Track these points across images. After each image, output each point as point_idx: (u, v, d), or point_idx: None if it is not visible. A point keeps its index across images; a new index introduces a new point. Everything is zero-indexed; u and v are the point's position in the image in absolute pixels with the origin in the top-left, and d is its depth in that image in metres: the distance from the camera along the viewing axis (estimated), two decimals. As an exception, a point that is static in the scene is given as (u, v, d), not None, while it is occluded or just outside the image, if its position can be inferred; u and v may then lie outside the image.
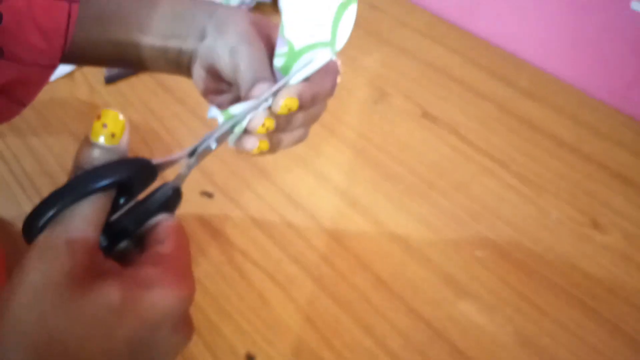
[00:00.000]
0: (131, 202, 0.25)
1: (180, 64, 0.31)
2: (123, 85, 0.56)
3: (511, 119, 0.53)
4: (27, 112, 0.54)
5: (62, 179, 0.48)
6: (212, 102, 0.32)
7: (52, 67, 0.30)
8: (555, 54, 0.57)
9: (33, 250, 0.20)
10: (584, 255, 0.43)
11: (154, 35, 0.30)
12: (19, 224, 0.22)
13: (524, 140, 0.51)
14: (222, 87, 0.31)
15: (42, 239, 0.20)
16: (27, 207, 0.46)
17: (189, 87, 0.56)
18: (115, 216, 0.24)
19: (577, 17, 0.53)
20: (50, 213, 0.21)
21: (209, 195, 0.47)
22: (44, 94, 0.55)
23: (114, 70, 0.56)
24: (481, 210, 0.46)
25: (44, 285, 0.18)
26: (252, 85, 0.26)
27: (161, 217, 0.25)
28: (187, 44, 0.30)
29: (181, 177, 0.26)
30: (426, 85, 0.56)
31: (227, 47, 0.27)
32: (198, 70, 0.30)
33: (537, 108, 0.54)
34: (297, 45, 0.26)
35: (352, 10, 0.25)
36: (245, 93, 0.26)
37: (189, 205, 0.46)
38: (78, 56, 0.30)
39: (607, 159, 0.50)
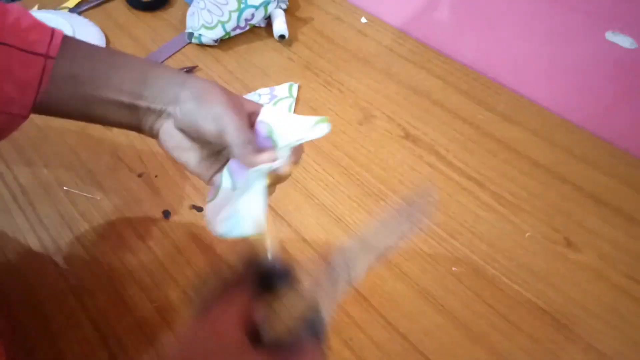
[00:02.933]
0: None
1: (142, 123, 0.34)
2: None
3: (489, 141, 0.56)
4: (26, 125, 0.56)
5: (55, 192, 0.49)
6: (178, 157, 0.34)
7: (22, 117, 0.32)
8: (532, 80, 0.60)
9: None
10: (557, 273, 0.45)
11: (122, 96, 0.32)
12: (9, 234, 0.24)
13: (501, 161, 0.54)
14: (192, 146, 0.34)
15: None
16: (19, 218, 0.47)
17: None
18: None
19: (555, 45, 0.56)
20: None
21: (198, 209, 0.49)
22: (43, 110, 0.57)
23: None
24: (458, 228, 0.47)
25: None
26: (244, 145, 0.30)
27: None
28: (155, 105, 0.33)
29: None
30: (409, 108, 0.59)
31: (210, 113, 0.31)
32: (169, 130, 0.33)
33: (515, 131, 0.57)
34: (280, 143, 0.32)
35: (324, 127, 0.31)
36: (238, 151, 0.30)
37: (179, 218, 0.48)
38: (48, 110, 0.33)
39: (582, 180, 0.52)
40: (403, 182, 0.51)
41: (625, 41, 0.50)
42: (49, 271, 0.44)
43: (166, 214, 0.48)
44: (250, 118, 0.33)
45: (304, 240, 0.46)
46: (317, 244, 0.46)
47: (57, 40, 0.31)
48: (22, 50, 0.30)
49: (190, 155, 0.34)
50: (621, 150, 0.55)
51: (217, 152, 0.35)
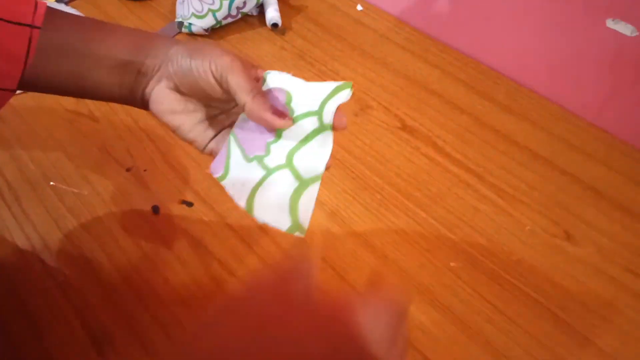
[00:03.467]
0: None
1: (134, 90, 0.32)
2: (108, 95, 0.57)
3: (487, 132, 0.54)
4: (13, 120, 0.54)
5: (42, 186, 0.48)
6: (170, 122, 0.32)
7: (10, 92, 0.31)
8: (532, 69, 0.59)
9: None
10: (556, 266, 0.44)
11: (111, 62, 0.31)
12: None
13: (499, 152, 0.53)
14: (185, 107, 0.32)
15: None
16: (5, 214, 0.46)
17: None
18: None
19: (554, 33, 0.54)
20: None
21: (188, 204, 0.47)
22: (30, 102, 0.56)
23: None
24: (456, 221, 0.46)
25: None
26: (252, 95, 0.29)
27: None
28: (146, 68, 0.31)
29: None
30: (406, 98, 0.58)
31: (208, 60, 0.29)
32: (161, 91, 0.32)
33: (513, 121, 0.56)
34: (297, 111, 0.31)
35: (346, 92, 0.29)
36: (249, 100, 0.29)
37: (168, 213, 0.47)
38: (37, 83, 0.31)
39: (581, 172, 0.51)
40: (400, 175, 0.50)
41: (626, 29, 0.49)
42: (35, 268, 0.42)
43: (155, 209, 0.47)
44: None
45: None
46: (310, 238, 0.45)
47: (41, 10, 0.30)
48: (7, 21, 0.28)
49: (183, 118, 0.32)
50: (620, 141, 0.54)
51: (212, 117, 0.33)
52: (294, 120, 0.30)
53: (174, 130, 0.33)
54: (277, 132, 0.31)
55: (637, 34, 0.48)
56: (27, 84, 0.31)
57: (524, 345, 0.39)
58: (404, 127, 0.55)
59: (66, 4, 0.68)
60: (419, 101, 0.57)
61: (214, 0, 0.61)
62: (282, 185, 0.30)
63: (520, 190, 0.49)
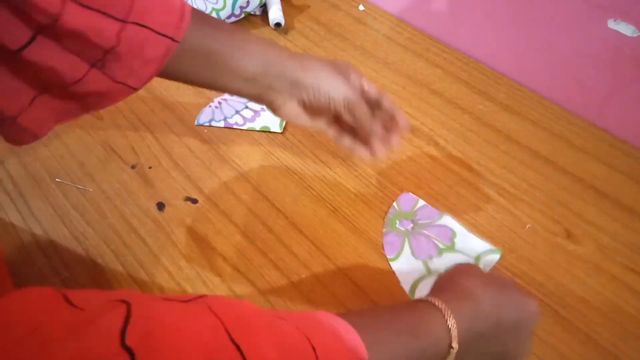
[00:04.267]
0: None
1: (262, 97, 0.38)
2: (112, 93, 0.57)
3: (489, 131, 0.55)
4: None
5: (46, 182, 0.48)
6: (303, 124, 0.40)
7: (135, 90, 0.33)
8: (533, 69, 0.59)
9: None
10: (557, 264, 0.44)
11: (246, 74, 0.35)
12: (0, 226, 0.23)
13: (500, 152, 0.53)
14: (318, 118, 0.40)
15: None
16: (10, 210, 0.46)
17: (177, 95, 0.58)
18: None
19: (556, 33, 0.55)
20: None
21: (193, 201, 0.48)
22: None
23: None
24: (458, 220, 0.47)
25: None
26: (371, 124, 0.39)
27: None
28: (276, 85, 0.37)
29: None
30: (407, 98, 0.58)
31: (340, 95, 0.37)
32: (295, 108, 0.38)
33: (514, 121, 0.56)
34: None
35: (495, 258, 0.45)
36: (367, 129, 0.39)
37: (173, 210, 0.47)
38: (166, 78, 0.35)
39: (582, 171, 0.51)
40: (402, 174, 0.51)
41: (627, 29, 0.49)
42: (39, 264, 0.43)
43: (160, 206, 0.47)
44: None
45: (301, 232, 0.46)
46: (314, 236, 0.46)
47: (185, 24, 0.32)
48: (155, 32, 0.31)
49: (319, 124, 0.40)
50: (621, 140, 0.55)
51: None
52: (455, 251, 0.44)
53: (315, 132, 0.43)
54: (439, 251, 0.44)
55: (639, 34, 0.48)
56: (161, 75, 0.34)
57: (525, 342, 0.40)
58: (406, 126, 0.55)
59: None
60: (420, 100, 0.58)
61: (217, 0, 0.62)
62: None
63: (521, 189, 0.50)
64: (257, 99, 0.38)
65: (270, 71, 0.36)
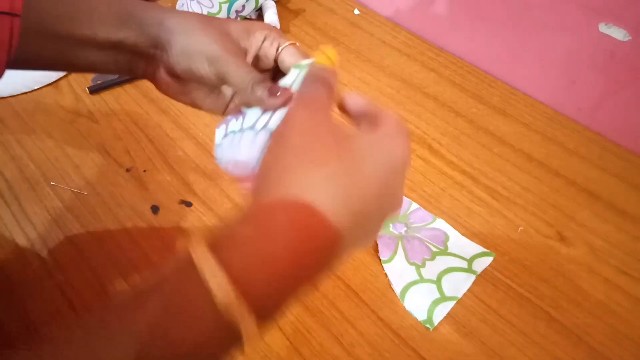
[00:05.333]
0: None
1: (133, 67, 0.31)
2: (108, 95, 0.58)
3: (483, 135, 0.55)
4: (12, 121, 0.55)
5: (41, 185, 0.49)
6: (181, 100, 0.32)
7: None
8: (526, 73, 0.60)
9: (301, 107, 0.25)
10: (549, 267, 0.45)
11: (100, 34, 0.29)
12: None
13: (494, 154, 0.53)
14: (193, 87, 0.32)
15: (309, 97, 0.25)
16: (5, 213, 0.46)
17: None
18: None
19: (548, 37, 0.55)
20: None
21: (187, 204, 0.48)
22: (28, 102, 0.56)
23: (98, 81, 0.58)
24: (450, 222, 0.47)
25: (318, 138, 0.23)
26: (251, 83, 0.27)
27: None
28: (142, 48, 0.30)
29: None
30: (402, 101, 0.58)
31: (202, 58, 0.28)
32: (163, 77, 0.31)
33: (508, 124, 0.56)
34: None
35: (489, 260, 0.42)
36: (246, 95, 0.28)
37: (168, 213, 0.47)
38: (25, 63, 0.30)
39: (575, 174, 0.52)
40: (395, 176, 0.51)
41: (618, 33, 0.49)
42: (34, 267, 0.43)
43: (154, 209, 0.47)
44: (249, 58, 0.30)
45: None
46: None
47: None
48: None
49: (193, 95, 0.32)
50: (614, 143, 0.55)
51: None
52: (448, 254, 0.44)
53: (190, 105, 0.32)
54: (432, 254, 0.44)
55: (630, 38, 0.49)
56: (14, 65, 0.29)
57: (518, 345, 0.40)
58: (400, 129, 0.55)
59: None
60: (414, 104, 0.58)
61: (213, 4, 0.62)
62: (428, 293, 0.42)
63: (514, 192, 0.50)
64: (130, 71, 0.31)
65: (129, 30, 0.29)
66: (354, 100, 0.27)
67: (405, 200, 0.48)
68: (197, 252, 0.19)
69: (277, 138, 0.24)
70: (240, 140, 0.27)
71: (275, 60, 0.31)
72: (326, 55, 0.27)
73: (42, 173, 0.50)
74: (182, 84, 0.31)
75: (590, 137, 0.55)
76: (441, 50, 0.65)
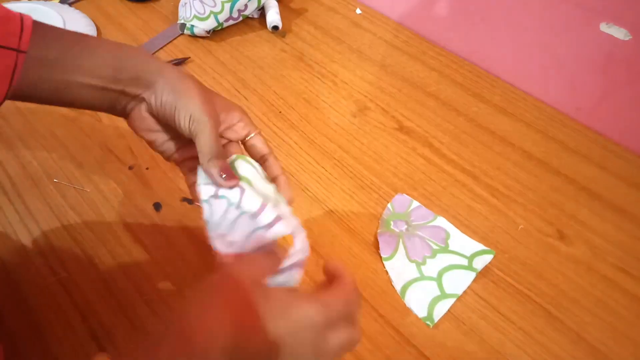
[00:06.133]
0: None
1: (115, 105, 0.35)
2: (110, 95, 0.58)
3: (483, 133, 0.55)
4: (15, 119, 0.55)
5: (44, 183, 0.49)
6: (145, 137, 0.36)
7: None
8: (527, 72, 0.60)
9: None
10: (549, 265, 0.45)
11: (95, 81, 0.32)
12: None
13: (495, 153, 0.53)
14: (160, 129, 0.36)
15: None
16: (8, 210, 0.47)
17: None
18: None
19: (549, 37, 0.56)
20: None
21: (189, 201, 0.48)
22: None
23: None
24: (452, 220, 0.47)
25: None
26: (210, 157, 0.32)
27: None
28: (130, 90, 0.33)
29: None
30: (403, 100, 0.59)
31: (186, 111, 0.32)
32: (141, 114, 0.35)
33: (508, 123, 0.57)
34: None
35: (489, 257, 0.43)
36: (204, 162, 0.32)
37: (170, 211, 0.47)
38: (20, 97, 0.33)
39: (575, 173, 0.52)
40: (397, 175, 0.51)
41: (619, 33, 0.50)
42: (37, 264, 0.43)
43: (157, 206, 0.48)
44: (221, 129, 0.35)
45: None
46: (308, 236, 0.46)
47: (27, 31, 0.31)
48: None
49: (156, 135, 0.36)
50: (613, 142, 0.55)
51: (178, 135, 0.35)
52: (449, 252, 0.44)
53: (148, 143, 0.36)
54: (432, 252, 0.44)
55: (630, 37, 0.49)
56: (10, 97, 0.32)
57: (517, 342, 0.40)
58: (401, 128, 0.56)
59: (70, 4, 0.69)
60: (416, 103, 0.58)
61: (215, 3, 0.62)
62: (429, 290, 0.42)
63: (515, 191, 0.50)
64: (110, 109, 0.35)
65: (123, 75, 0.33)
66: (330, 266, 0.32)
67: (407, 198, 0.49)
68: None
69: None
70: (235, 220, 0.31)
71: (242, 141, 0.37)
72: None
73: (44, 170, 0.50)
74: (154, 123, 0.35)
75: (591, 136, 0.56)
76: (442, 49, 0.65)
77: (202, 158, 0.32)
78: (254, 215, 0.30)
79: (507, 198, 0.49)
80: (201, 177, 0.33)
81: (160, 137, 0.36)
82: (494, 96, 0.59)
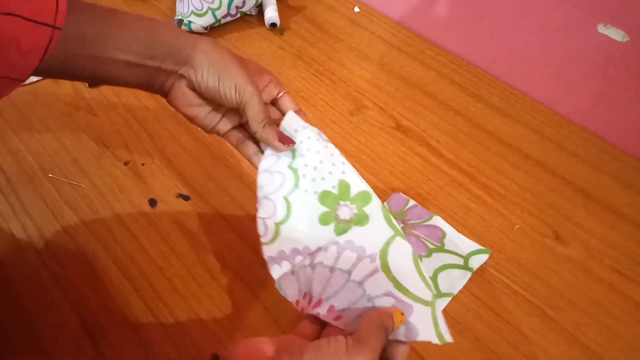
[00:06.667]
0: None
1: (152, 82, 0.35)
2: (107, 89, 0.58)
3: (481, 133, 0.55)
4: (10, 113, 0.55)
5: (39, 177, 0.48)
6: (187, 113, 0.36)
7: (19, 81, 0.31)
8: (525, 73, 0.60)
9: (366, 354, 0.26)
10: (545, 265, 0.45)
11: (130, 56, 0.32)
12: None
13: (492, 153, 0.53)
14: (201, 102, 0.36)
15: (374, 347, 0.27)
16: (2, 205, 0.46)
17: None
18: None
19: (547, 38, 0.56)
20: None
21: (185, 197, 0.48)
22: (26, 94, 0.56)
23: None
24: (448, 219, 0.47)
25: None
26: (264, 123, 0.34)
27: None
28: (167, 66, 0.33)
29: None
30: (401, 99, 0.59)
31: (231, 83, 0.33)
32: (182, 89, 0.35)
33: (506, 123, 0.57)
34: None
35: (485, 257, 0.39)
36: (259, 130, 0.34)
37: (165, 207, 0.47)
38: (52, 73, 0.32)
39: (571, 174, 0.52)
40: (394, 174, 0.51)
41: (617, 34, 0.50)
42: (31, 259, 0.43)
43: (152, 202, 0.47)
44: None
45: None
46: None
47: (63, 7, 0.30)
48: (28, 20, 0.28)
49: (198, 110, 0.36)
50: (610, 144, 0.55)
51: (219, 106, 0.37)
52: (444, 251, 0.44)
53: (189, 118, 0.37)
54: (428, 251, 0.44)
55: (628, 39, 0.49)
56: (41, 72, 0.31)
57: (512, 342, 0.40)
58: (399, 127, 0.56)
59: None
60: (413, 102, 0.58)
61: (213, -1, 0.62)
62: (425, 291, 0.40)
63: (512, 191, 0.50)
64: (147, 86, 0.35)
65: (157, 51, 0.33)
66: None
67: (403, 197, 0.48)
68: None
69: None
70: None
71: (272, 102, 0.38)
72: (400, 315, 0.29)
73: (39, 165, 0.50)
74: (196, 98, 0.35)
75: (587, 137, 0.56)
76: (441, 49, 0.65)
77: (256, 126, 0.34)
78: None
79: (503, 198, 0.49)
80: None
81: (203, 111, 0.36)
82: (492, 96, 0.59)
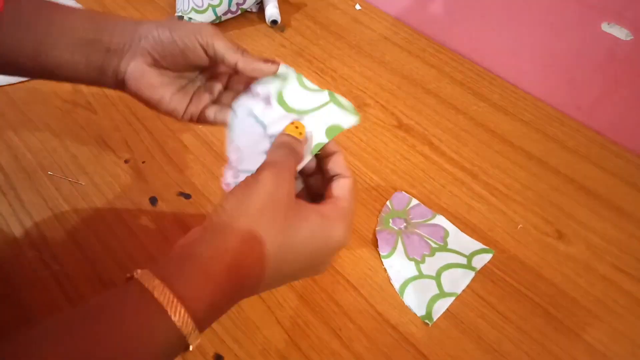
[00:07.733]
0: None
1: (104, 68, 0.32)
2: (106, 87, 0.57)
3: (483, 132, 0.55)
4: (9, 110, 0.54)
5: (38, 175, 0.48)
6: (151, 96, 0.34)
7: None
8: (527, 71, 0.60)
9: (269, 169, 0.27)
10: (548, 264, 0.45)
11: (76, 39, 0.31)
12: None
13: (494, 152, 0.53)
14: (163, 81, 0.34)
15: (278, 162, 0.28)
16: (1, 203, 0.46)
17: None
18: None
19: (549, 35, 0.55)
20: None
21: (186, 196, 0.48)
22: (25, 91, 0.55)
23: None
24: (450, 218, 0.47)
25: (276, 196, 0.26)
26: (241, 52, 0.32)
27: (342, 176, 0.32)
28: (116, 41, 0.31)
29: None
30: (402, 97, 0.58)
31: (188, 32, 0.31)
32: (138, 67, 0.32)
33: (508, 122, 0.56)
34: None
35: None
36: (239, 59, 0.32)
37: (166, 205, 0.47)
38: None
39: (573, 172, 0.52)
40: (396, 172, 0.51)
41: (621, 32, 0.50)
42: (30, 256, 0.42)
43: (153, 200, 0.47)
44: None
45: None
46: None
47: None
48: None
49: (162, 91, 0.33)
50: (612, 142, 0.55)
51: (183, 86, 0.34)
52: (447, 250, 0.44)
53: (155, 104, 0.34)
54: (431, 250, 0.44)
55: (632, 37, 0.49)
56: None
57: (515, 341, 0.40)
58: (400, 125, 0.55)
59: (65, -4, 0.68)
60: (415, 100, 0.58)
61: (214, -4, 0.62)
62: (427, 289, 0.42)
63: (514, 189, 0.50)
64: (100, 74, 0.32)
65: (103, 30, 0.31)
66: (335, 161, 0.32)
67: (405, 195, 0.48)
68: (143, 277, 0.23)
69: (250, 184, 0.27)
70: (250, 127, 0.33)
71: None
72: (295, 127, 0.31)
73: (39, 163, 0.49)
74: (156, 75, 0.33)
75: (590, 135, 0.56)
76: (442, 46, 0.65)
77: (234, 55, 0.31)
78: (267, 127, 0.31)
79: (506, 197, 0.49)
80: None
81: (168, 92, 0.33)
82: (494, 94, 0.59)
